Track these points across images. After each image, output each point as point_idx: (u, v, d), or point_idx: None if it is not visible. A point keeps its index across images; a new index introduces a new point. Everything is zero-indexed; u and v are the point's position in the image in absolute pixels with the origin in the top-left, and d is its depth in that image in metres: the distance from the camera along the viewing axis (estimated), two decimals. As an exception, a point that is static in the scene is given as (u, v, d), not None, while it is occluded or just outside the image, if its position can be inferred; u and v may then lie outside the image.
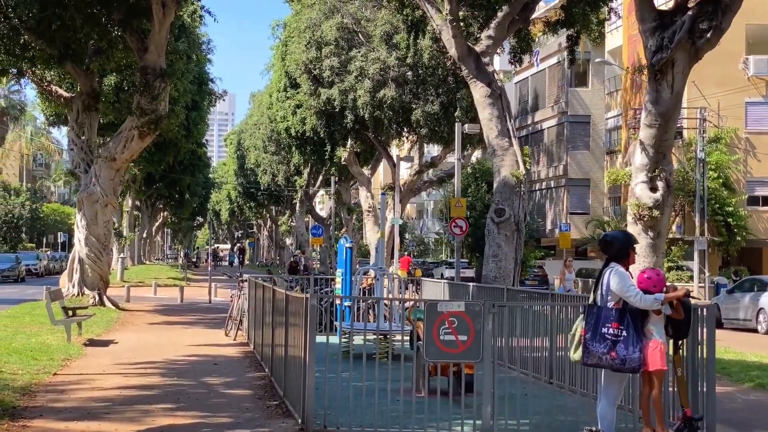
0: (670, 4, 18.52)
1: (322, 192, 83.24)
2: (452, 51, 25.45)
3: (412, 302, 16.12)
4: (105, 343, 19.89)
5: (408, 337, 15.49)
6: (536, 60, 57.65)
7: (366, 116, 40.74)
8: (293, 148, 55.24)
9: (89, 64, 31.07)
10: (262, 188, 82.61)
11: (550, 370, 13.14)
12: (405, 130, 44.11)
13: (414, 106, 40.28)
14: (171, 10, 27.59)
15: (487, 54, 25.61)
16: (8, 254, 64.55)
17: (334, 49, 41.63)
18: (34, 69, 32.48)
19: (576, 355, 9.66)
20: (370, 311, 20.17)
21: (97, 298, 29.61)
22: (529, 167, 26.63)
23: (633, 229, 18.11)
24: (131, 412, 11.64)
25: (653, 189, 18.67)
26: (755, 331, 29.78)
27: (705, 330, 10.51)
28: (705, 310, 10.57)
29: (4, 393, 12.45)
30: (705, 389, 10.50)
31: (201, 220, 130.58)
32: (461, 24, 26.42)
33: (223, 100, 59.41)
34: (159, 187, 73.28)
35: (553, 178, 59.67)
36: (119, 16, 28.38)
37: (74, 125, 32.24)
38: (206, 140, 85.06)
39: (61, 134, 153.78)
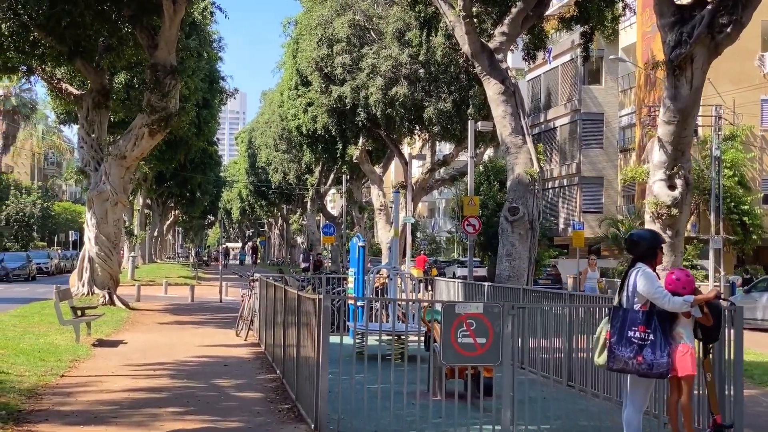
0: (689, -2, 18.13)
1: (333, 190, 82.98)
2: (465, 47, 25.16)
3: (427, 303, 15.77)
4: (114, 344, 19.62)
5: (423, 338, 15.17)
6: (549, 57, 57.24)
7: (378, 114, 40.46)
8: (304, 147, 55.07)
9: (99, 61, 30.87)
10: (273, 187, 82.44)
11: (569, 372, 12.79)
12: (417, 127, 43.81)
13: (426, 104, 40.00)
14: (181, 7, 27.36)
15: (500, 50, 25.32)
16: (19, 253, 64.45)
17: (346, 46, 41.38)
18: (43, 66, 32.27)
19: (600, 359, 9.21)
20: (383, 311, 19.87)
21: (107, 297, 29.38)
22: (542, 165, 26.32)
23: (650, 227, 17.73)
24: (139, 416, 11.33)
25: (672, 187, 18.32)
26: (774, 331, 29.34)
27: (732, 332, 10.14)
28: (732, 311, 10.19)
29: (10, 396, 12.17)
30: (732, 393, 10.14)
31: (212, 218, 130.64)
32: (474, 20, 26.14)
33: (234, 98, 59.23)
34: (170, 186, 73.23)
35: (566, 177, 59.27)
36: (129, 12, 28.16)
37: (84, 123, 32.04)
38: (217, 139, 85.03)
39: (72, 132, 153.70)
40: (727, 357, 10.21)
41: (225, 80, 56.44)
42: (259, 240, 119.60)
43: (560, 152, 60.29)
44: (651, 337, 8.79)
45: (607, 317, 9.36)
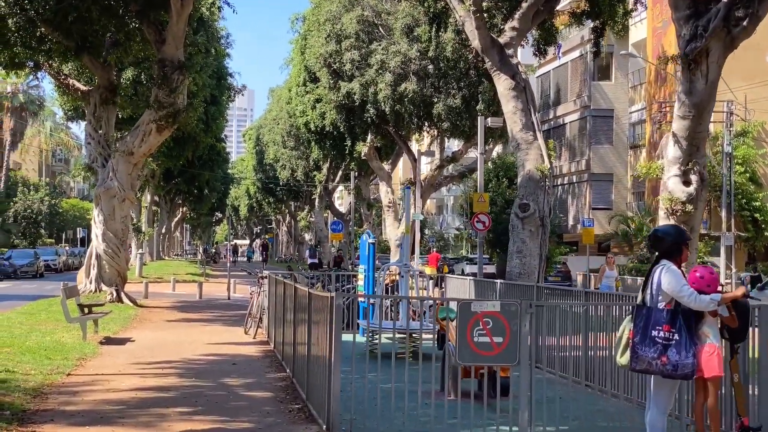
0: (705, -9, 17.84)
1: (341, 187, 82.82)
2: (475, 43, 24.95)
3: (440, 301, 15.51)
4: (122, 342, 19.40)
5: (436, 337, 14.93)
6: (558, 53, 56.93)
7: (387, 110, 40.21)
8: (312, 143, 54.90)
9: (106, 56, 30.68)
10: (281, 184, 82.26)
11: (586, 371, 12.51)
12: (426, 124, 43.52)
13: (435, 100, 39.75)
14: (189, 1, 27.14)
15: (511, 45, 25.11)
16: (27, 250, 64.35)
17: (355, 42, 41.14)
18: (50, 62, 32.10)
19: (623, 359, 8.88)
20: (392, 309, 19.63)
21: (115, 294, 29.18)
22: (553, 161, 26.10)
23: (665, 224, 17.46)
24: (146, 417, 11.07)
25: (686, 183, 18.09)
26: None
27: (757, 331, 9.84)
28: (758, 309, 9.88)
29: (15, 395, 11.93)
30: (758, 394, 9.83)
31: (220, 215, 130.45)
32: (485, 15, 25.91)
33: (242, 95, 59.06)
34: (178, 183, 73.15)
35: (575, 173, 58.95)
36: (136, 7, 27.96)
37: (92, 119, 31.83)
38: (225, 136, 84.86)
39: (80, 129, 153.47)
40: (751, 356, 9.93)
41: (233, 77, 56.40)
42: (267, 237, 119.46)
43: (569, 149, 59.97)
44: (676, 336, 8.45)
45: (629, 315, 9.04)
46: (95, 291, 29.63)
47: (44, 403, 11.82)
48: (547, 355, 12.08)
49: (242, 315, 23.89)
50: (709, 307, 8.56)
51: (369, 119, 41.52)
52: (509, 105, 24.36)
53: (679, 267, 8.71)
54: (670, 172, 18.24)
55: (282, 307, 15.87)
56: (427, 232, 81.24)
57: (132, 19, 29.09)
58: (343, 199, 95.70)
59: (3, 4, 26.91)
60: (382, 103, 39.96)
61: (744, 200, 44.66)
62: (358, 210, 72.30)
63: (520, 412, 9.60)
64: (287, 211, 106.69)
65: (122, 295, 29.48)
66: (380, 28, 41.93)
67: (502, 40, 25.06)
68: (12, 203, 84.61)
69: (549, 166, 24.36)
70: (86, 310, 20.25)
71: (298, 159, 74.26)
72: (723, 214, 42.97)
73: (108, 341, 19.26)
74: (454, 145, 61.27)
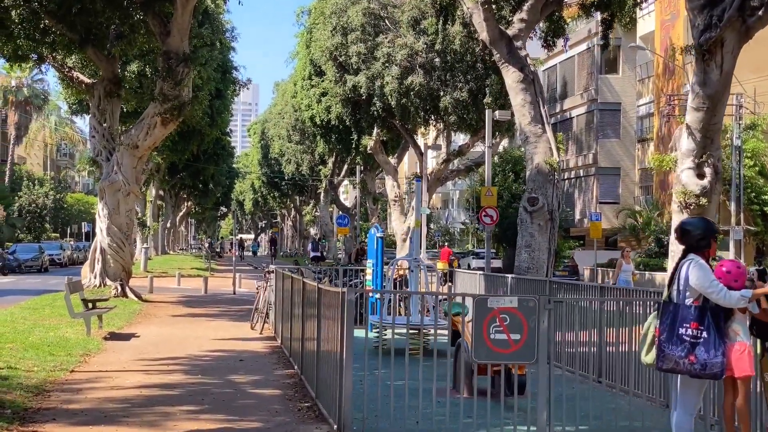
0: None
1: (346, 182, 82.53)
2: (483, 35, 24.66)
3: (452, 296, 15.18)
4: (126, 337, 19.12)
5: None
6: (566, 46, 56.54)
7: (393, 104, 39.85)
8: (318, 137, 54.64)
9: (111, 49, 30.37)
10: (286, 178, 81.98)
11: (605, 369, 12.18)
12: (432, 117, 43.16)
13: (442, 93, 39.39)
14: (194, -7, 26.85)
15: (519, 38, 24.80)
16: (32, 244, 64.22)
17: (361, 35, 40.78)
18: (54, 54, 31.81)
19: (648, 358, 8.50)
20: (401, 303, 19.36)
21: (120, 289, 28.92)
22: (560, 155, 25.82)
23: (678, 218, 17.18)
24: (151, 415, 10.76)
25: (700, 175, 17.75)
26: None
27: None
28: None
29: (16, 393, 11.63)
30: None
31: (225, 210, 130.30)
32: (493, 7, 25.60)
33: (247, 88, 58.85)
34: (183, 177, 73.00)
35: (583, 167, 58.61)
36: (141, -1, 27.67)
37: (96, 112, 31.55)
38: (230, 130, 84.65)
39: (84, 123, 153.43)
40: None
41: (238, 70, 56.04)
42: (273, 231, 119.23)
43: (576, 142, 59.63)
44: (704, 334, 8.06)
45: (655, 312, 8.64)
46: (100, 286, 29.37)
47: (46, 401, 11.52)
48: (564, 352, 11.74)
49: (248, 310, 23.62)
50: (739, 303, 8.17)
51: (375, 113, 41.16)
52: (518, 98, 24.06)
53: (708, 261, 8.35)
54: (684, 164, 17.90)
55: (290, 302, 15.57)
56: (432, 227, 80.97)
57: (137, 11, 28.80)
58: (348, 194, 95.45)
59: (7, -5, 26.66)
60: (389, 97, 39.61)
61: (753, 194, 44.22)
62: (363, 204, 72.01)
63: (538, 411, 9.29)
64: (292, 205, 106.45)
65: (127, 289, 29.21)
66: (386, 21, 41.59)
67: (510, 32, 24.76)
68: (17, 197, 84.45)
69: (558, 159, 24.08)
70: (90, 305, 19.95)
71: (303, 153, 73.94)
72: (732, 208, 42.56)
73: (112, 337, 18.99)
74: (460, 138, 60.93)
